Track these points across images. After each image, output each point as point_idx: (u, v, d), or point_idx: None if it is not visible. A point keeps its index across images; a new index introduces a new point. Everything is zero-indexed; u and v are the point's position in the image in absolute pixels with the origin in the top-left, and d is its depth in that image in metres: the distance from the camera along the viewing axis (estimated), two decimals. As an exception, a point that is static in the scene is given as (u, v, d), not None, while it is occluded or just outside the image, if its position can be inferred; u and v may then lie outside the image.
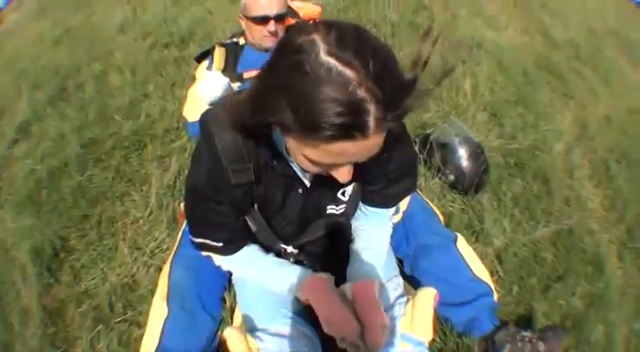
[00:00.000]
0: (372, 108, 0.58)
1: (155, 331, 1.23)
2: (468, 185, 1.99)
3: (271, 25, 1.82)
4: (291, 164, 0.93)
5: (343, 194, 1.06)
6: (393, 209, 1.17)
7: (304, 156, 0.70)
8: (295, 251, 1.16)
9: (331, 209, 1.08)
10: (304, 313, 1.15)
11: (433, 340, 1.34)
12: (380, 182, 1.05)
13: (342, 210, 1.09)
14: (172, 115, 2.55)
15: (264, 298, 1.15)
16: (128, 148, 2.33)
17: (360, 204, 1.14)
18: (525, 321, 1.51)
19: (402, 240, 1.49)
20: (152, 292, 1.39)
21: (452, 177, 2.01)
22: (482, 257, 1.63)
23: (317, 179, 0.97)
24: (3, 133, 2.55)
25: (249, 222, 1.06)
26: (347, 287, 1.02)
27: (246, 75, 1.90)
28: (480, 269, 1.41)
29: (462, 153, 1.99)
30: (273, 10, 1.80)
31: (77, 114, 2.64)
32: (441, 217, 1.60)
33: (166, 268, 1.38)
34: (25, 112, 2.71)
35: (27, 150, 2.38)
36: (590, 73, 3.87)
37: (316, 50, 0.58)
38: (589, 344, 1.48)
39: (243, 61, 1.94)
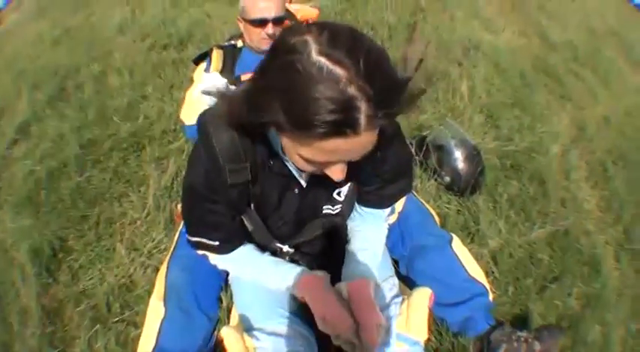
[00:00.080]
0: (362, 106, 0.59)
1: (152, 331, 1.24)
2: (463, 187, 2.00)
3: (269, 28, 1.82)
4: (287, 164, 0.94)
5: (339, 194, 1.07)
6: (388, 210, 1.18)
7: (299, 155, 0.72)
8: (291, 250, 1.17)
9: (327, 209, 1.09)
10: (300, 312, 1.15)
11: (429, 340, 1.34)
12: (375, 182, 1.06)
13: (337, 210, 1.10)
14: (170, 117, 2.55)
15: (260, 297, 1.16)
16: (126, 150, 2.33)
17: (356, 205, 1.15)
18: (521, 322, 1.51)
19: (397, 240, 1.50)
20: (149, 292, 1.40)
21: (448, 179, 2.02)
22: (478, 258, 1.63)
23: (313, 179, 0.98)
24: (2, 133, 2.55)
25: (246, 222, 1.07)
26: (342, 286, 1.03)
27: (244, 77, 1.90)
28: (475, 270, 1.42)
29: (458, 155, 2.00)
30: (271, 13, 1.81)
31: (76, 114, 2.65)
32: (436, 218, 1.60)
33: (163, 269, 1.39)
34: (25, 112, 2.71)
35: (26, 150, 2.38)
36: (589, 75, 3.86)
37: (308, 50, 0.59)
38: (585, 344, 1.48)
39: (241, 63, 1.94)
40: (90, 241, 1.81)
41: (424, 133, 2.22)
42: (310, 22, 0.69)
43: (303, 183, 1.01)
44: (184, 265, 1.36)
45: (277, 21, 1.83)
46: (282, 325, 1.11)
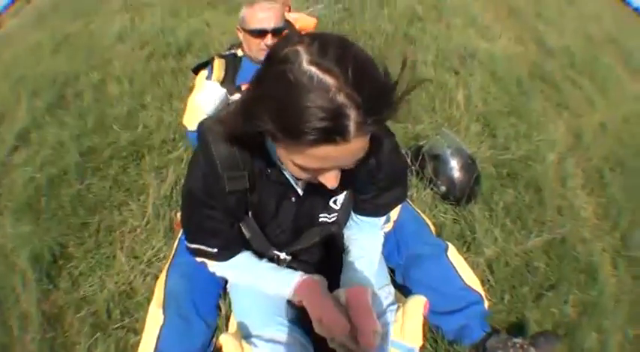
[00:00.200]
0: (352, 113, 0.61)
1: (151, 338, 1.25)
2: (459, 196, 2.01)
3: (268, 39, 1.82)
4: (285, 172, 0.96)
5: (335, 202, 1.08)
6: (384, 218, 1.19)
7: (292, 162, 0.73)
8: (288, 258, 1.18)
9: (323, 217, 1.10)
10: (298, 320, 1.17)
11: (424, 347, 1.35)
12: (371, 190, 1.07)
13: (334, 219, 1.11)
14: (169, 127, 2.56)
15: (258, 305, 1.18)
16: (126, 158, 2.35)
17: (353, 213, 1.16)
18: (517, 329, 1.53)
19: (393, 249, 1.51)
20: (149, 300, 1.41)
21: (443, 188, 2.04)
22: (474, 266, 1.64)
23: (309, 187, 0.99)
24: (2, 140, 2.57)
25: (244, 229, 1.08)
26: (341, 292, 1.05)
27: (244, 87, 1.91)
28: (470, 278, 1.43)
29: (454, 164, 2.02)
30: (270, 24, 1.81)
31: (76, 122, 2.66)
32: (432, 227, 1.62)
33: (162, 276, 1.40)
34: (25, 119, 2.73)
35: (26, 157, 2.40)
36: (586, 82, 3.87)
37: (299, 60, 0.62)
38: (582, 351, 1.50)
39: (242, 73, 1.95)
40: (90, 248, 1.82)
41: (420, 143, 2.24)
42: (305, 32, 0.71)
43: (300, 192, 1.02)
44: (183, 272, 1.37)
45: (276, 32, 1.83)
46: (280, 332, 1.12)
